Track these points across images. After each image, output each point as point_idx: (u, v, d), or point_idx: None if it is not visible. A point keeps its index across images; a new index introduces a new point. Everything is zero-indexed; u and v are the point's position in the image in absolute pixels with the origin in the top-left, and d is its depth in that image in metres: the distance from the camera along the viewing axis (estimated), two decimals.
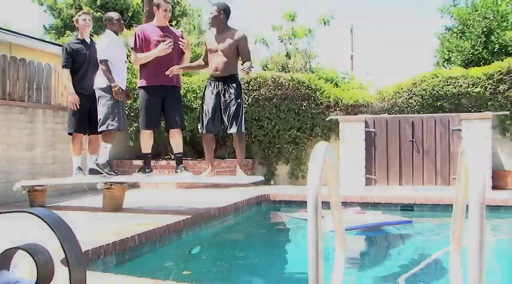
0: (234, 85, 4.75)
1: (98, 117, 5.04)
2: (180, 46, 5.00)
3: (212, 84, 4.83)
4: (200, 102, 5.22)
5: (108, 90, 5.00)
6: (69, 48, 5.38)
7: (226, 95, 4.74)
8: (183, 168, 5.09)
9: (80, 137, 5.49)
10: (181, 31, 5.58)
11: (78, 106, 5.26)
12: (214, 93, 4.78)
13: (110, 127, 4.99)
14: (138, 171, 5.32)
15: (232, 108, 4.70)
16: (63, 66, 5.40)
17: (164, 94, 4.97)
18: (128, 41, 9.62)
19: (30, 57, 7.11)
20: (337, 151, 7.61)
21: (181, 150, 5.17)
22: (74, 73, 5.34)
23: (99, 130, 5.07)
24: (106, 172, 5.10)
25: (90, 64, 5.33)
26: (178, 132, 5.12)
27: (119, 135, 6.05)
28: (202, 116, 4.89)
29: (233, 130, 4.71)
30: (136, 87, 5.52)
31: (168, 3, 4.97)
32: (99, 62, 5.05)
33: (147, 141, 5.14)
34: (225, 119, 4.77)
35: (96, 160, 5.19)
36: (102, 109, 5.01)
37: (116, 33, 5.23)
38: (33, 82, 6.53)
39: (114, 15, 5.32)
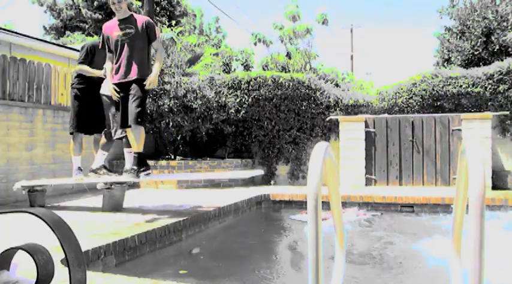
0: None
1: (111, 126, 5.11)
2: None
3: None
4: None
5: (109, 97, 5.03)
6: (90, 47, 5.31)
7: None
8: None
9: (81, 137, 5.48)
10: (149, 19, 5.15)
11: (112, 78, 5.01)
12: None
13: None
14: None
15: None
16: (79, 63, 5.32)
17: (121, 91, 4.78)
18: None
19: (31, 57, 7.11)
20: (337, 151, 7.62)
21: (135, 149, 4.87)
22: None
23: (114, 138, 5.10)
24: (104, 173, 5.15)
25: None
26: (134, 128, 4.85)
27: None
28: None
29: None
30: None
31: None
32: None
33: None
34: None
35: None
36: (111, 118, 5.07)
37: None
38: (33, 82, 6.53)
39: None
